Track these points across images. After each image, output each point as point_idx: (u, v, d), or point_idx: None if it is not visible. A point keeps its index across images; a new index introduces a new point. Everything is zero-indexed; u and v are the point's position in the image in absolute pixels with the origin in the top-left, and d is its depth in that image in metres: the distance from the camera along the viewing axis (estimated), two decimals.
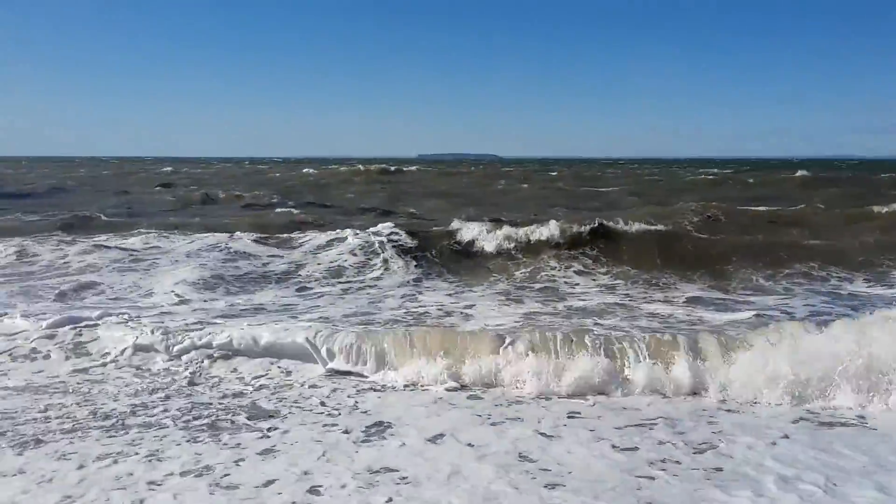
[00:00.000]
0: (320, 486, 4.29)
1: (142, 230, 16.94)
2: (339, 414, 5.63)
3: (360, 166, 55.98)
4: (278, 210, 23.54)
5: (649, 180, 45.08)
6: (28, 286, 10.51)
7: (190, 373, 6.69)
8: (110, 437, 5.10)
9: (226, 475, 4.47)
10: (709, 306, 9.31)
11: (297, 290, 10.57)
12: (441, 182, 43.32)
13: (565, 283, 11.28)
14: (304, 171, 54.02)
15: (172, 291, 10.12)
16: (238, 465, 4.62)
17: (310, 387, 6.38)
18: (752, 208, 19.05)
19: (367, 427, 5.32)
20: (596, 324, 8.06)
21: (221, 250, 13.58)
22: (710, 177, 45.48)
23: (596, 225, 13.37)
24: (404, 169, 54.93)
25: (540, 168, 69.66)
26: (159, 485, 4.33)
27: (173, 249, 13.92)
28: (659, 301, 9.82)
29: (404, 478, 4.42)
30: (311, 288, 10.78)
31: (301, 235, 14.64)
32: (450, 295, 10.33)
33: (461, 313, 8.97)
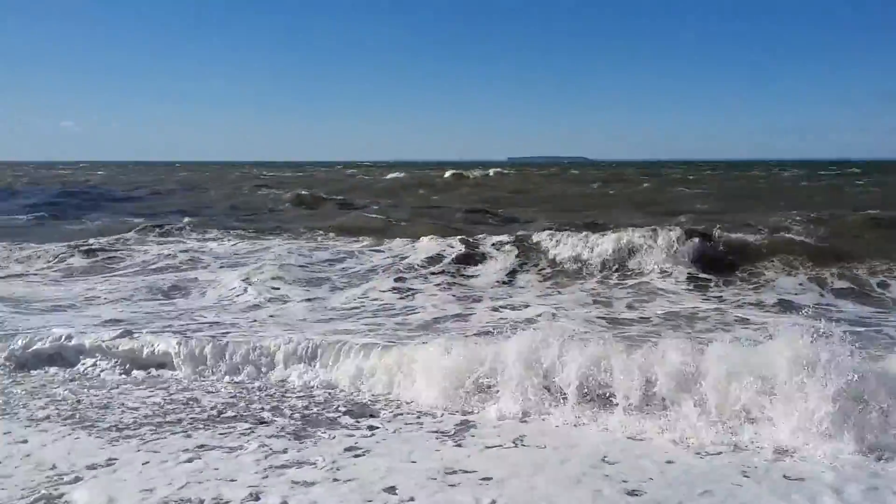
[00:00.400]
0: (396, 486, 4.40)
1: (240, 230, 17.76)
2: (431, 414, 5.77)
3: (451, 170, 56.40)
4: (369, 212, 24.07)
5: (750, 183, 43.54)
6: (146, 281, 11.26)
7: (290, 374, 6.88)
8: (211, 431, 5.40)
9: (310, 470, 4.68)
10: (801, 312, 9.01)
11: (394, 290, 10.80)
12: (531, 185, 43.13)
13: (657, 284, 11.05)
14: (394, 175, 54.85)
15: (273, 287, 10.62)
16: (325, 460, 4.80)
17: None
18: (858, 213, 18.15)
19: (455, 426, 5.45)
20: (689, 334, 7.88)
21: (321, 250, 14.13)
22: (814, 184, 43.42)
23: (688, 229, 13.10)
24: (491, 172, 54.94)
25: (633, 170, 68.29)
26: (265, 477, 4.58)
27: (270, 247, 14.55)
28: (751, 304, 9.61)
29: (485, 478, 4.49)
30: (407, 287, 10.97)
31: (393, 237, 15.02)
32: (539, 296, 10.39)
33: (551, 315, 9.01)
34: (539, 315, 9.01)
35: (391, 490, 4.33)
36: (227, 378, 6.80)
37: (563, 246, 12.86)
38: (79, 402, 6.09)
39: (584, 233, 13.28)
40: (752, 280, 11.16)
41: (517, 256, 12.69)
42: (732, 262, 12.05)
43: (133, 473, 4.60)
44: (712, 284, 10.93)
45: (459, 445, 5.07)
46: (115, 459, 4.82)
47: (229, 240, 16.20)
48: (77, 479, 4.51)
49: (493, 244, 13.25)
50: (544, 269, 12.25)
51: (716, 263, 11.99)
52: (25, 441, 5.17)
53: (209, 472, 4.60)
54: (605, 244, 12.58)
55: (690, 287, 10.80)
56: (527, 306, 9.63)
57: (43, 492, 4.32)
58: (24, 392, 6.37)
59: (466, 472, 4.59)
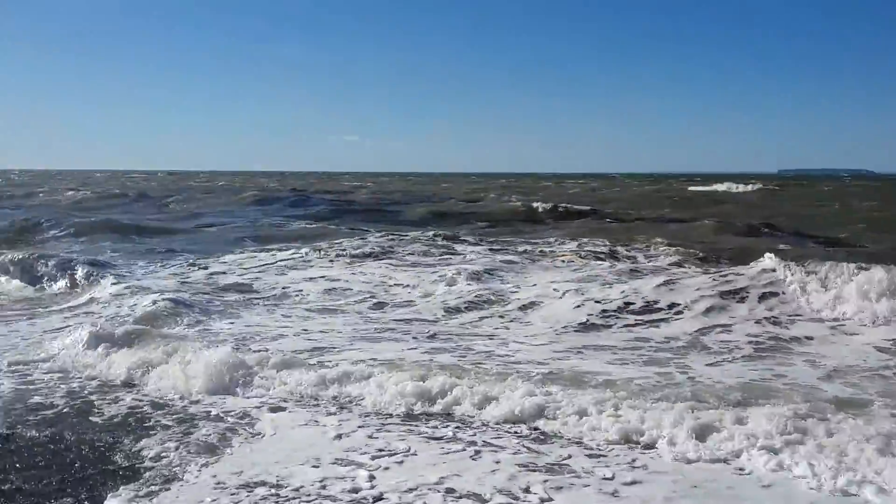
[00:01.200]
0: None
1: (505, 237, 18.56)
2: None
3: (720, 182, 53.12)
4: (616, 221, 23.70)
5: None
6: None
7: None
8: (487, 434, 5.82)
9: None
10: None
11: (666, 285, 10.86)
12: (815, 200, 38.68)
13: None
14: (645, 187, 53.19)
15: (550, 287, 11.28)
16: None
17: None
18: None
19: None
20: None
21: (586, 257, 14.65)
22: None
23: None
24: (749, 187, 50.99)
25: None
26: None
27: (535, 251, 14.87)
28: None
29: None
30: (674, 287, 10.75)
31: (649, 246, 15.02)
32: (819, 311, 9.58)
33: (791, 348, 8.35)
34: (810, 337, 8.49)
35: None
36: None
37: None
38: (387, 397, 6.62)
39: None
40: None
41: (774, 273, 10.81)
42: None
43: (429, 464, 5.13)
44: None
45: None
46: (407, 450, 5.41)
47: (496, 246, 16.83)
48: (379, 468, 5.08)
49: (769, 258, 11.58)
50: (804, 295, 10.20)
51: None
52: (337, 435, 5.86)
53: (504, 470, 5.01)
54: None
55: None
56: (793, 323, 9.09)
57: (362, 472, 4.98)
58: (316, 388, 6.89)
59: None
